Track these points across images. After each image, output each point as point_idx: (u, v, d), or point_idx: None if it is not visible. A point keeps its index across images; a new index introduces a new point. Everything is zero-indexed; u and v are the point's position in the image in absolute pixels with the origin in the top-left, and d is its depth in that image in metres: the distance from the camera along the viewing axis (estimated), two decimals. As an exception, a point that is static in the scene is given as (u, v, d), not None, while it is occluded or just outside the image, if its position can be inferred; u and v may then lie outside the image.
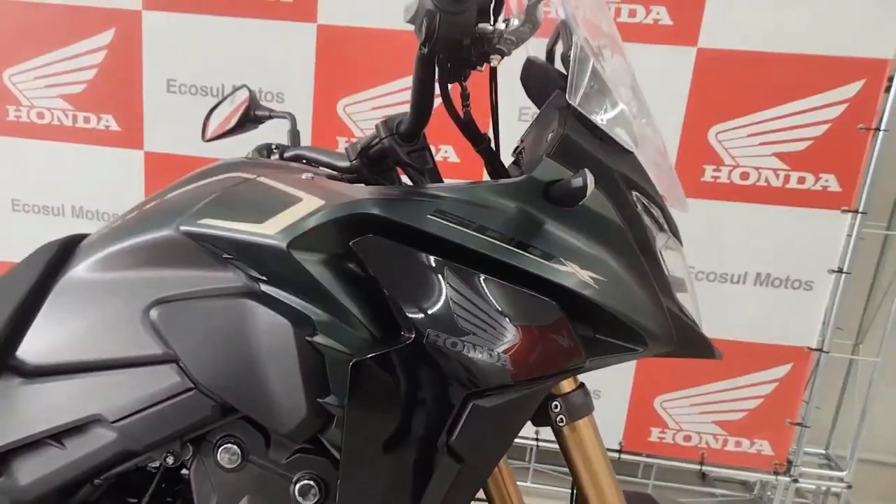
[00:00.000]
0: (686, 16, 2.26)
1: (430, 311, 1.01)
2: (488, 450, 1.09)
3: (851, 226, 2.36)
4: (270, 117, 1.50)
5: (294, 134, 1.48)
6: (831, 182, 2.33)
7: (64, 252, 1.21)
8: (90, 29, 2.50)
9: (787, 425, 2.52)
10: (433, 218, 1.03)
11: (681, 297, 1.13)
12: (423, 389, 1.04)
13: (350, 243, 1.03)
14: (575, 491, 1.22)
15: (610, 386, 2.55)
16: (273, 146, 1.43)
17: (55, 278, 1.19)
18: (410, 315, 1.01)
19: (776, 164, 2.35)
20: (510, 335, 1.02)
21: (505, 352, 1.02)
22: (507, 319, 1.02)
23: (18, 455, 1.17)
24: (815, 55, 2.25)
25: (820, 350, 2.47)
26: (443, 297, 1.02)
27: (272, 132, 1.50)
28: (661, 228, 1.11)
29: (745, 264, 2.44)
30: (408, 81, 2.67)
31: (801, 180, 2.35)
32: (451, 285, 1.02)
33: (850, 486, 2.66)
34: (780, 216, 2.38)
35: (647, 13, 2.26)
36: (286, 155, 1.38)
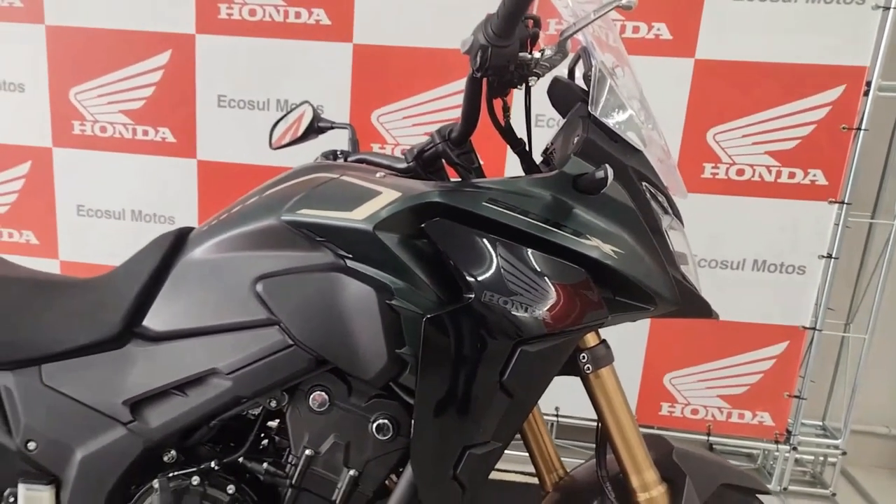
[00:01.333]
0: (684, 31, 2.46)
1: (485, 277, 1.22)
2: (532, 387, 1.29)
3: (838, 215, 2.56)
4: (332, 128, 1.69)
5: (354, 142, 1.66)
6: (818, 176, 2.54)
7: (177, 241, 1.43)
8: (149, 51, 2.74)
9: (786, 398, 2.73)
10: (487, 205, 1.24)
11: (683, 269, 1.34)
12: (480, 339, 1.23)
13: (422, 225, 1.24)
14: (600, 429, 1.42)
15: (622, 365, 2.70)
16: (338, 152, 1.62)
17: (173, 262, 1.40)
18: (470, 280, 1.22)
19: (769, 162, 2.56)
20: (548, 295, 1.23)
21: (544, 308, 1.23)
22: (546, 283, 1.24)
23: (149, 403, 1.40)
24: (801, 64, 2.44)
25: (813, 329, 2.69)
26: (495, 266, 1.22)
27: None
28: (665, 212, 1.31)
29: (743, 252, 2.64)
30: (432, 94, 2.92)
31: (792, 175, 2.55)
32: (501, 257, 1.23)
33: (844, 454, 2.88)
34: (773, 208, 2.57)
35: (650, 29, 2.47)
36: (350, 159, 1.57)
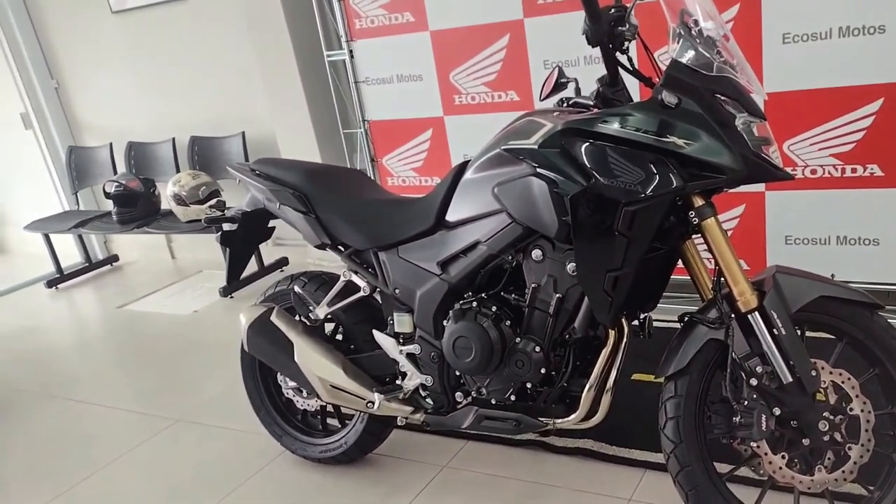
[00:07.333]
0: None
1: (598, 167, 1.77)
2: (639, 232, 1.79)
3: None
4: (567, 82, 2.06)
5: (577, 90, 2.09)
6: (875, 170, 3.04)
7: (462, 167, 2.17)
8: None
9: None
10: (600, 125, 1.79)
11: (765, 148, 1.74)
12: (600, 205, 1.79)
13: (561, 141, 1.84)
14: (717, 270, 1.85)
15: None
16: (565, 98, 2.10)
17: (458, 182, 2.15)
18: (590, 170, 1.79)
19: (834, 162, 3.09)
20: (637, 174, 1.74)
21: (638, 183, 1.74)
22: (635, 167, 1.74)
23: (448, 263, 2.18)
24: (849, 86, 2.95)
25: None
26: (605, 160, 1.77)
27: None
28: (740, 111, 1.73)
29: (827, 231, 3.21)
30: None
31: (854, 171, 3.07)
32: (609, 154, 1.78)
33: None
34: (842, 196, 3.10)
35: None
36: (569, 102, 2.07)
